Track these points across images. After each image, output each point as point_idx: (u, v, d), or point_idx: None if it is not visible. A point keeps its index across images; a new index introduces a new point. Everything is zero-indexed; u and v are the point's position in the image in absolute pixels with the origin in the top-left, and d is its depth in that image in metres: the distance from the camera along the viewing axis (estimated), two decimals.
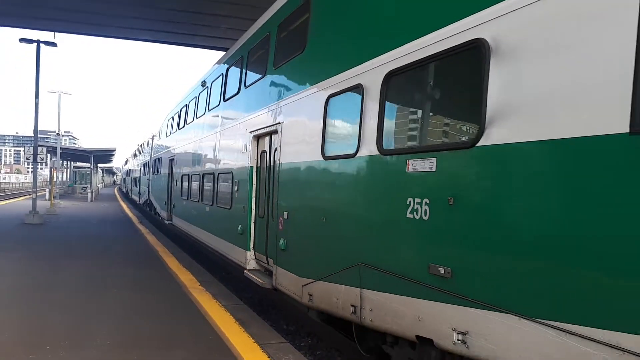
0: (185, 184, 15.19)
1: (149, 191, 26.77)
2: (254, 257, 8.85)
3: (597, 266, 2.93)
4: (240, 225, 9.20)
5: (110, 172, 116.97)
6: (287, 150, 7.31)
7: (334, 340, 7.62)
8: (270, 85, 8.19)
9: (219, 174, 11.26)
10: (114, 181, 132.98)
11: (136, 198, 35.47)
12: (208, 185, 12.20)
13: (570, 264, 3.07)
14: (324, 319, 6.64)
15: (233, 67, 10.89)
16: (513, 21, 3.56)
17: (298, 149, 6.90)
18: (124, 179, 72.02)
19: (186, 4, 17.35)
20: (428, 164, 4.27)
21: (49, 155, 32.98)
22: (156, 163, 23.69)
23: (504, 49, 3.62)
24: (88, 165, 53.96)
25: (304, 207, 6.71)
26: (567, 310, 3.05)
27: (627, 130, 2.77)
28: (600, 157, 2.95)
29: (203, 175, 12.89)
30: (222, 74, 11.73)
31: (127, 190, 53.63)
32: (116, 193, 66.49)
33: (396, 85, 4.82)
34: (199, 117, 13.99)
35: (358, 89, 5.35)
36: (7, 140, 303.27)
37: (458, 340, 3.91)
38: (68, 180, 55.23)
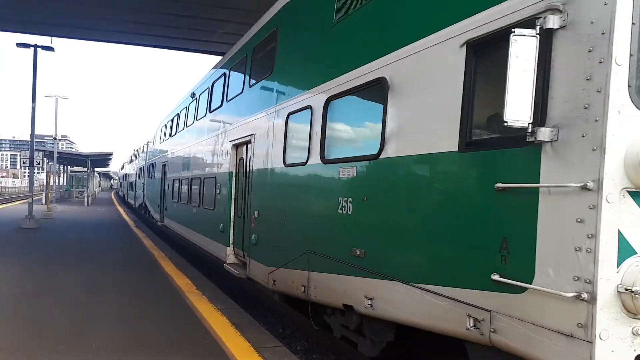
0: (175, 187, 16.30)
1: (143, 195, 27.98)
2: (232, 252, 9.83)
3: (445, 248, 4.14)
4: (221, 224, 10.21)
5: (107, 176, 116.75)
6: (258, 157, 8.51)
7: (330, 343, 7.63)
8: (246, 101, 9.37)
9: (204, 178, 12.26)
10: (111, 185, 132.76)
11: (132, 202, 36.83)
12: (195, 189, 13.30)
13: (431, 245, 4.33)
14: (285, 301, 7.93)
15: (218, 82, 11.95)
16: (399, 67, 4.75)
17: (266, 156, 8.11)
18: (121, 183, 72.00)
19: (182, 8, 17.40)
20: (351, 171, 5.54)
21: (45, 159, 32.92)
22: (150, 168, 24.93)
23: (396, 86, 4.80)
24: (85, 169, 53.81)
25: (270, 207, 7.94)
26: (430, 277, 4.31)
27: (457, 149, 3.98)
28: (443, 166, 4.19)
29: (191, 179, 14.00)
30: (209, 87, 12.78)
31: (124, 195, 54.67)
32: (113, 197, 66.34)
33: (333, 108, 6.09)
34: (189, 126, 15.11)
35: (308, 109, 6.62)
36: (3, 145, 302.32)
37: (368, 304, 5.14)
38: (65, 184, 55.14)
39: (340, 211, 5.71)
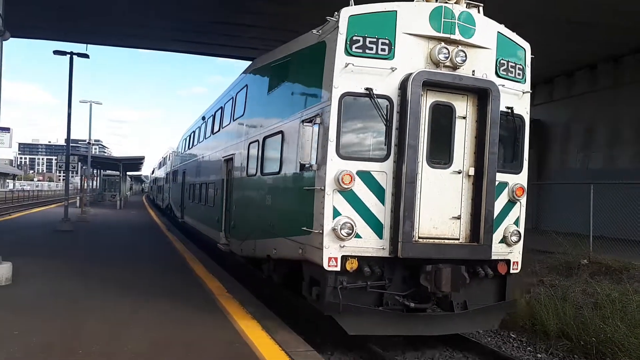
0: (190, 190, 20.60)
1: (169, 197, 33.02)
2: (223, 236, 13.23)
3: (293, 218, 7.82)
4: (217, 216, 14.00)
5: (138, 180, 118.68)
6: (235, 170, 12.43)
7: (361, 351, 7.54)
8: (231, 130, 13.21)
9: (208, 183, 16.29)
10: (142, 189, 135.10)
11: (160, 203, 41.52)
12: (202, 191, 17.29)
13: (290, 217, 8.09)
14: (248, 262, 11.33)
15: (217, 112, 15.91)
16: (285, 127, 8.63)
17: (238, 170, 12.02)
18: (151, 187, 73.37)
19: (210, 15, 17.60)
20: (270, 180, 9.45)
21: (80, 163, 33.65)
22: (174, 174, 29.49)
23: (285, 136, 8.63)
24: (117, 173, 54.80)
25: (239, 202, 11.86)
26: (282, 232, 8.28)
27: (297, 171, 7.87)
28: (294, 178, 8.04)
29: (200, 184, 18.00)
30: (212, 115, 16.70)
31: (154, 197, 57.04)
32: (144, 200, 67.47)
33: (266, 143, 9.85)
34: (200, 142, 19.25)
35: (256, 142, 10.38)
36: (40, 149, 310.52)
37: (274, 252, 8.77)
38: (98, 188, 56.31)
39: (266, 203, 9.51)
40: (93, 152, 38.36)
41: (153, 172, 68.88)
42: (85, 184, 33.85)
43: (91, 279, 10.15)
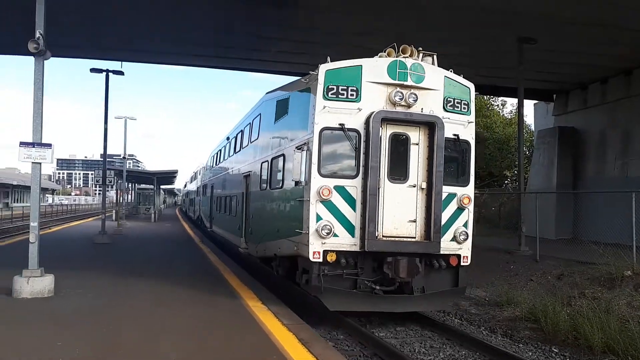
0: (217, 202, 23.13)
1: (199, 209, 35.76)
2: (244, 241, 15.36)
3: (291, 223, 9.97)
4: (238, 224, 16.20)
5: (171, 193, 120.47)
6: (251, 184, 14.82)
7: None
8: (249, 151, 15.60)
9: (231, 196, 18.54)
10: (175, 202, 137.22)
11: (192, 215, 44.83)
12: (227, 203, 19.69)
13: (289, 223, 10.15)
14: (261, 261, 13.56)
15: (238, 134, 18.23)
16: (286, 151, 10.77)
17: (254, 184, 14.39)
18: (184, 200, 74.73)
19: (238, 29, 17.85)
20: (277, 193, 11.41)
21: (115, 177, 34.39)
22: (204, 188, 32.07)
23: (286, 157, 10.76)
24: (151, 186, 55.75)
25: (254, 211, 14.09)
26: (284, 234, 10.40)
27: (294, 185, 10.02)
28: (292, 191, 10.16)
29: (225, 197, 20.32)
30: (234, 136, 19.12)
31: (186, 209, 59.59)
32: (177, 213, 68.44)
33: (272, 163, 12.10)
34: (225, 159, 21.82)
35: (267, 162, 12.58)
36: (77, 165, 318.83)
37: (279, 250, 10.73)
38: (132, 201, 57.46)
39: (273, 212, 11.84)
40: (128, 167, 39.16)
41: (185, 185, 70.48)
42: (121, 198, 34.58)
43: (129, 291, 10.34)
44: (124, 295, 9.95)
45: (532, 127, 31.67)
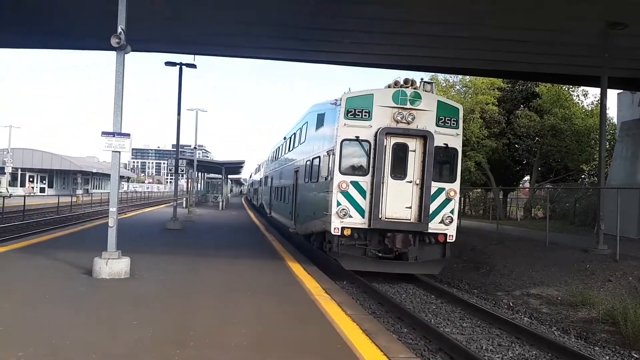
0: (275, 192, 27.80)
1: (261, 197, 40.98)
2: (293, 223, 19.10)
3: (322, 207, 14.05)
4: (290, 210, 20.14)
5: (238, 182, 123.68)
6: (300, 177, 18.44)
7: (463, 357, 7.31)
8: (299, 150, 19.73)
9: (285, 186, 22.84)
10: (241, 191, 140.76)
11: (255, 203, 50.50)
12: (282, 192, 23.93)
13: (319, 207, 14.33)
14: (304, 238, 17.26)
15: (292, 136, 22.65)
16: (321, 154, 14.99)
17: (302, 176, 17.80)
18: (249, 189, 76.90)
19: (310, 21, 17.88)
20: (313, 185, 15.81)
21: (186, 167, 35.65)
22: (265, 179, 36.70)
23: (321, 159, 14.75)
24: (220, 176, 57.31)
25: (303, 198, 17.53)
26: (318, 216, 14.41)
27: (325, 179, 14.06)
28: (323, 183, 14.14)
29: (281, 187, 24.55)
30: (290, 137, 23.46)
31: (251, 198, 64.52)
32: (243, 202, 70.20)
33: (312, 162, 16.22)
34: (282, 156, 26.43)
35: (309, 160, 16.54)
36: (150, 154, 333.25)
37: (314, 227, 15.05)
38: (202, 189, 59.43)
39: (312, 199, 15.50)
40: (197, 157, 40.51)
41: (250, 176, 73.00)
42: (191, 186, 35.83)
43: (200, 275, 10.73)
44: (196, 279, 10.33)
45: (615, 120, 29.80)
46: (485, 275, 16.63)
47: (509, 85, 36.25)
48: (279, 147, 29.15)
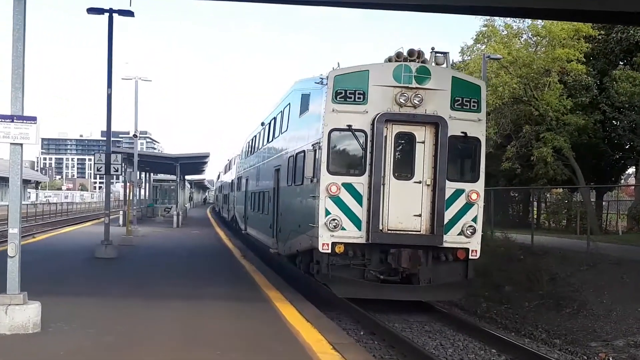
0: (252, 199, 29.38)
1: (234, 207, 41.40)
2: (275, 241, 20.55)
3: (308, 219, 15.29)
4: (270, 223, 21.67)
5: (201, 186, 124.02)
6: (282, 178, 19.77)
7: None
8: (280, 142, 21.22)
9: (262, 192, 25.11)
10: (205, 199, 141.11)
11: (226, 215, 51.64)
12: (260, 200, 25.70)
13: (306, 218, 15.56)
14: (287, 259, 19.12)
15: (271, 122, 24.07)
16: (305, 147, 16.25)
17: (285, 178, 19.09)
18: (217, 196, 77.02)
19: None
20: (298, 188, 17.23)
21: (123, 164, 35.49)
22: (238, 181, 37.66)
23: (306, 152, 15.99)
24: (173, 177, 57.34)
25: (285, 207, 19.09)
26: (303, 230, 15.76)
27: (310, 182, 15.33)
28: (309, 186, 15.52)
29: (259, 193, 26.37)
30: (268, 123, 25.14)
31: (219, 209, 64.25)
32: (209, 215, 70.27)
33: (296, 157, 17.45)
34: (259, 149, 28.20)
35: (292, 156, 18.08)
36: (69, 147, 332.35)
37: (300, 245, 16.50)
38: (147, 198, 59.38)
39: (296, 208, 17.24)
40: (140, 149, 40.52)
41: (218, 177, 72.63)
42: (131, 194, 35.78)
43: (146, 327, 10.73)
44: (139, 333, 10.31)
45: None
46: (572, 317, 16.63)
47: (602, 33, 36.07)
48: (255, 137, 30.41)
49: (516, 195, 42.92)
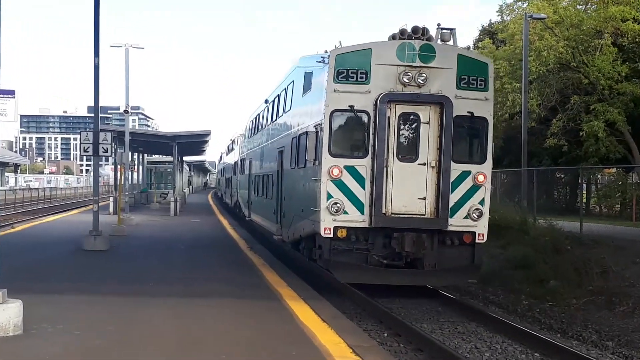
0: (255, 183, 31.05)
1: (237, 192, 43.39)
2: (279, 227, 22.10)
3: (310, 203, 16.90)
4: (273, 209, 23.45)
5: (201, 169, 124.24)
6: (286, 161, 21.33)
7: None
8: (284, 122, 22.95)
9: (266, 175, 26.80)
10: (205, 183, 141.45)
11: (229, 201, 54.01)
12: (264, 183, 27.44)
13: (307, 202, 17.36)
14: (292, 246, 21.24)
15: (276, 100, 25.94)
16: (308, 128, 17.69)
17: (289, 160, 20.63)
18: (219, 180, 77.31)
19: None
20: (301, 171, 18.63)
21: (113, 144, 35.59)
22: (241, 163, 39.29)
23: (309, 133, 17.29)
24: (170, 158, 57.39)
25: (289, 191, 20.86)
26: (306, 214, 17.39)
27: (312, 165, 16.76)
28: (311, 169, 17.05)
29: (263, 176, 27.93)
30: (272, 101, 27.01)
31: (222, 194, 66.78)
32: (210, 200, 70.55)
33: (300, 139, 18.96)
34: (263, 128, 30.12)
35: (305, 133, 18.05)
36: (52, 124, 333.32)
37: (303, 230, 18.10)
38: (140, 183, 59.49)
39: (299, 191, 18.90)
40: (132, 126, 40.63)
41: (221, 158, 72.76)
42: (122, 177, 35.77)
43: (139, 329, 10.84)
44: (132, 336, 10.38)
45: None
46: (627, 315, 16.55)
47: None
48: (259, 116, 32.66)
49: (562, 176, 42.57)
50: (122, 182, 35.14)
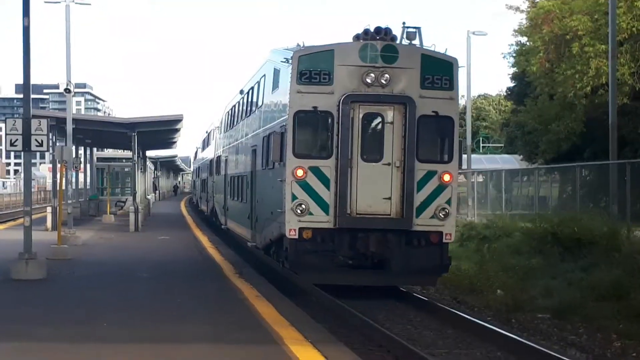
0: (231, 185, 36.78)
1: (212, 196, 49.09)
2: (253, 233, 29.14)
3: (277, 204, 23.65)
4: (247, 213, 30.22)
5: (172, 167, 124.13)
6: (258, 161, 28.20)
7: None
8: (256, 118, 30.21)
9: (240, 176, 33.79)
10: (175, 187, 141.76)
11: (205, 208, 58.76)
12: (238, 185, 33.79)
13: (273, 204, 24.47)
14: (264, 252, 28.37)
15: (250, 92, 32.19)
16: (279, 124, 23.91)
17: (260, 160, 27.41)
18: (194, 182, 78.00)
19: None
20: (270, 172, 25.60)
21: (50, 134, 35.47)
22: (217, 162, 45.33)
23: (284, 131, 23.74)
24: (128, 154, 57.36)
25: (261, 193, 27.77)
26: (275, 217, 23.92)
27: (279, 165, 23.49)
28: (279, 170, 23.62)
29: (237, 177, 33.87)
30: (247, 93, 33.10)
31: (197, 200, 70.84)
32: (183, 209, 70.71)
33: (268, 140, 25.87)
34: (237, 124, 36.46)
35: (276, 131, 24.45)
36: None
37: (273, 234, 24.65)
38: (89, 187, 59.52)
39: (269, 193, 25.29)
40: (76, 110, 40.64)
41: (196, 155, 73.43)
42: (63, 180, 35.63)
43: None
44: None
45: None
46: None
47: None
48: (234, 107, 39.57)
49: None
50: (64, 187, 35.06)
